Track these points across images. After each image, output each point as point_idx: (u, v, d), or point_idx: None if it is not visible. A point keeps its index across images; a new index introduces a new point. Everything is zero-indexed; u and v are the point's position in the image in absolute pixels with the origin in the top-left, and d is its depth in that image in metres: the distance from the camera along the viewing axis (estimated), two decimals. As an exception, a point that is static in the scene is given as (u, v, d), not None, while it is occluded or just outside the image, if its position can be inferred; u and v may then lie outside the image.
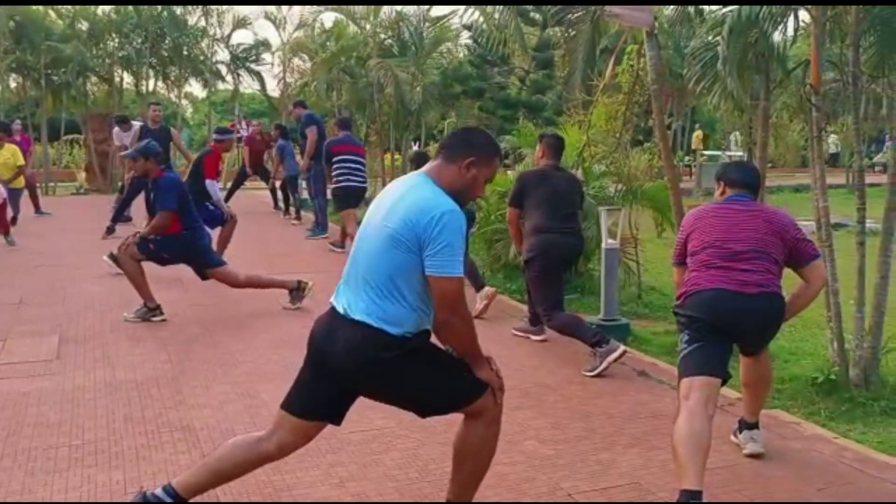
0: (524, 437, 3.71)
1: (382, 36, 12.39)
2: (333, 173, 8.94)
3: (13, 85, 19.03)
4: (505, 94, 10.14)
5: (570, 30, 7.48)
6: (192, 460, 3.35)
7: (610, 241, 5.96)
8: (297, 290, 6.28)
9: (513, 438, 3.61)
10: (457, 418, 3.77)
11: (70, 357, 4.97)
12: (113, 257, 6.89)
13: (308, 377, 2.66)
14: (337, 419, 2.69)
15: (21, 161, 10.64)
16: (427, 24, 12.09)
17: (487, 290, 6.33)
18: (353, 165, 9.02)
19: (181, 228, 5.95)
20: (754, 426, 3.59)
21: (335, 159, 8.94)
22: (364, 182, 9.34)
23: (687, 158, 24.89)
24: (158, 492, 2.62)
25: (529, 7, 11.93)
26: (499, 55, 10.73)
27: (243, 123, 10.84)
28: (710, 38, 6.01)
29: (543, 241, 5.23)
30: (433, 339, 2.60)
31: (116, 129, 11.72)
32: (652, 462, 3.45)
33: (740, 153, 19.53)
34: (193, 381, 4.46)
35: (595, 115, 7.79)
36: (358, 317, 2.49)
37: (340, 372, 2.54)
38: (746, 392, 3.62)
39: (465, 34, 12.28)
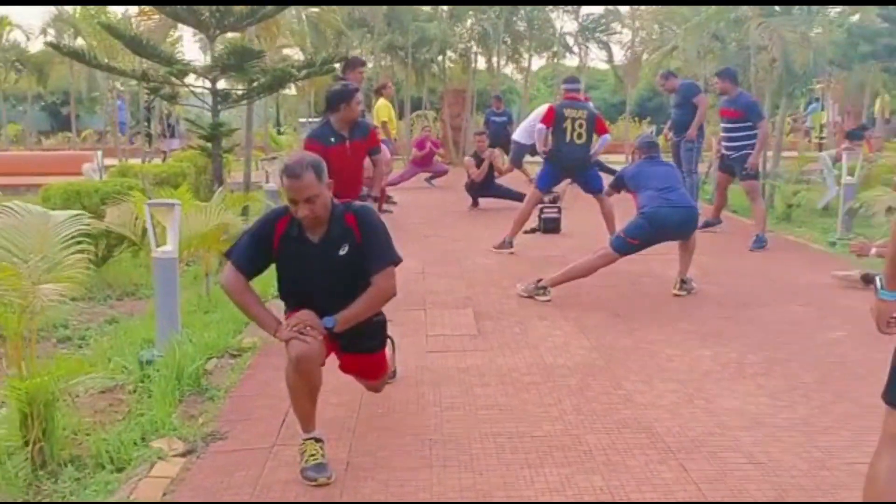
0: None
1: (765, -7, 11.18)
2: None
3: (382, 64, 20.74)
4: (925, 52, 8.48)
5: None
6: (675, 476, 2.96)
7: None
8: (685, 282, 5.95)
9: None
10: None
11: (490, 333, 4.95)
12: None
13: None
14: None
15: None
16: (822, -26, 10.65)
17: None
18: None
19: None
20: None
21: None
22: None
23: None
24: None
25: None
26: (922, 5, 8.98)
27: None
28: None
29: None
30: None
31: None
32: None
33: None
34: (630, 375, 4.12)
35: None
36: None
37: None
38: None
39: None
